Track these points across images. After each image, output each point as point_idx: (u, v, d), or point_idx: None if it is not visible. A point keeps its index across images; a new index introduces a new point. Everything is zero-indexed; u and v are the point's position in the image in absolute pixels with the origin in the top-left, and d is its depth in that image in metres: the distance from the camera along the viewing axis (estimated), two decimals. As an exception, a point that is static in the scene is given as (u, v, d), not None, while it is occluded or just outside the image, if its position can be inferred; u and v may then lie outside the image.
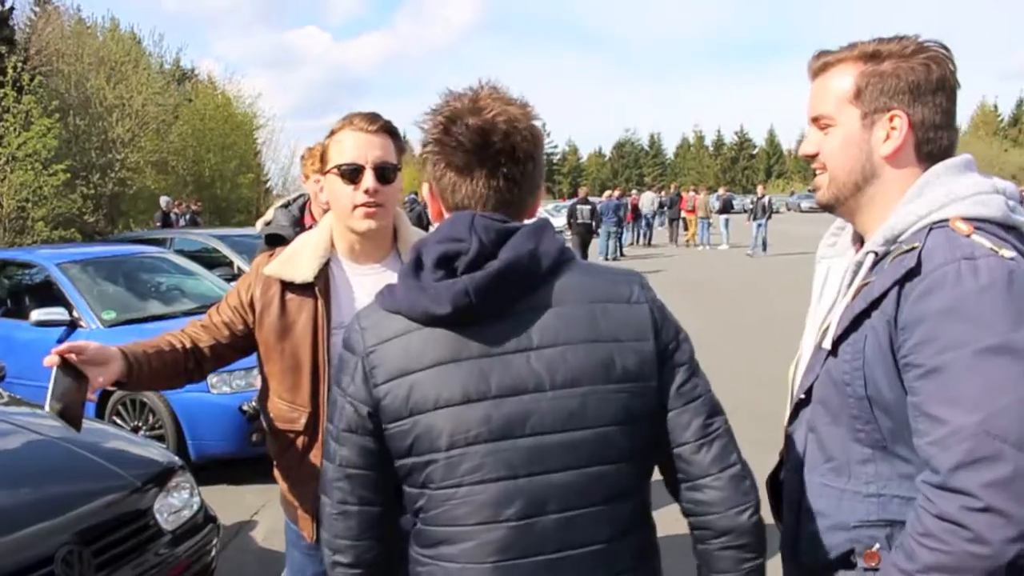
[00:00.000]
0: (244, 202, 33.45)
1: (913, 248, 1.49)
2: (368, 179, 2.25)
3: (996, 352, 1.37)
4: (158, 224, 20.53)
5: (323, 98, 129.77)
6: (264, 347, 2.40)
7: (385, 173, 2.27)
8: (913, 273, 1.47)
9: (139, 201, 26.14)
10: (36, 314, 6.84)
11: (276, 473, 2.55)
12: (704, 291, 16.43)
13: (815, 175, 1.72)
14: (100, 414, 6.50)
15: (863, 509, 1.58)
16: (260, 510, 5.84)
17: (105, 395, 6.51)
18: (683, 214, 30.19)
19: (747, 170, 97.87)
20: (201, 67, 40.05)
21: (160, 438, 6.19)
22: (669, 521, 1.98)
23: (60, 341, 6.70)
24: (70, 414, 2.05)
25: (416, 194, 20.78)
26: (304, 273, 2.32)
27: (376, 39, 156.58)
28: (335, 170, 2.30)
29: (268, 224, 4.86)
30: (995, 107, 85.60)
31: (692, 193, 30.63)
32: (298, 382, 2.35)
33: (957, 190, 1.54)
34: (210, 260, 11.10)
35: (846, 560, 1.60)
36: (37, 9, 29.79)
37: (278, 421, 2.42)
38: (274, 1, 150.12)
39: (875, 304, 1.53)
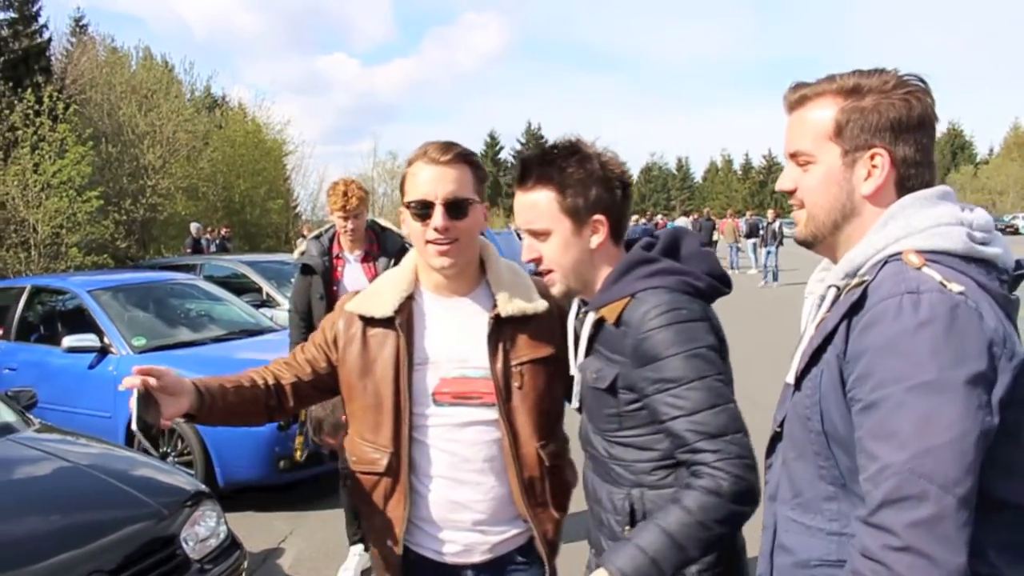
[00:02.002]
0: (273, 227, 33.80)
1: (863, 282, 1.47)
2: (437, 216, 2.14)
3: (929, 390, 1.34)
4: (188, 250, 20.75)
5: (351, 124, 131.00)
6: (346, 385, 2.33)
7: (457, 208, 2.16)
8: (858, 307, 1.46)
9: (170, 227, 26.49)
10: (67, 340, 6.90)
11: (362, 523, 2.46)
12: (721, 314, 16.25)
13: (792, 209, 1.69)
14: (130, 441, 6.53)
15: (823, 547, 1.55)
16: (288, 537, 5.82)
17: (135, 421, 6.52)
18: (716, 237, 30.05)
19: (775, 194, 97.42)
20: (231, 94, 40.48)
21: (189, 464, 6.20)
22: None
23: (91, 367, 6.81)
24: (151, 434, 2.05)
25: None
26: (384, 308, 2.25)
27: (404, 65, 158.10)
28: (407, 207, 2.22)
29: (303, 254, 5.03)
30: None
31: (730, 219, 30.50)
32: (380, 421, 2.25)
33: (915, 222, 1.50)
34: (239, 286, 11.19)
35: None
36: (73, 40, 30.44)
37: (359, 463, 2.32)
38: (302, 29, 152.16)
39: (828, 339, 1.51)
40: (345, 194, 4.75)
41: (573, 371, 2.16)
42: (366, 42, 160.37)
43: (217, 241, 22.68)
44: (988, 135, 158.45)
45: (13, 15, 26.15)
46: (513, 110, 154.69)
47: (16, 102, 19.64)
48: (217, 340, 7.64)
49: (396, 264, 4.83)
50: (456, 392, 2.23)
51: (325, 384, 2.38)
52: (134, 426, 2.00)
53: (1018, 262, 1.56)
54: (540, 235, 2.07)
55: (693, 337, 1.87)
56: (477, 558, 2.28)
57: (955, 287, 1.39)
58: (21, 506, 3.62)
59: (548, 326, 2.28)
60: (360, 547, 5.21)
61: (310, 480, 6.56)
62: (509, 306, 2.23)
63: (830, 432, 1.51)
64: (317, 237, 5.07)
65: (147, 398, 2.02)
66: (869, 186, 1.56)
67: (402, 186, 2.26)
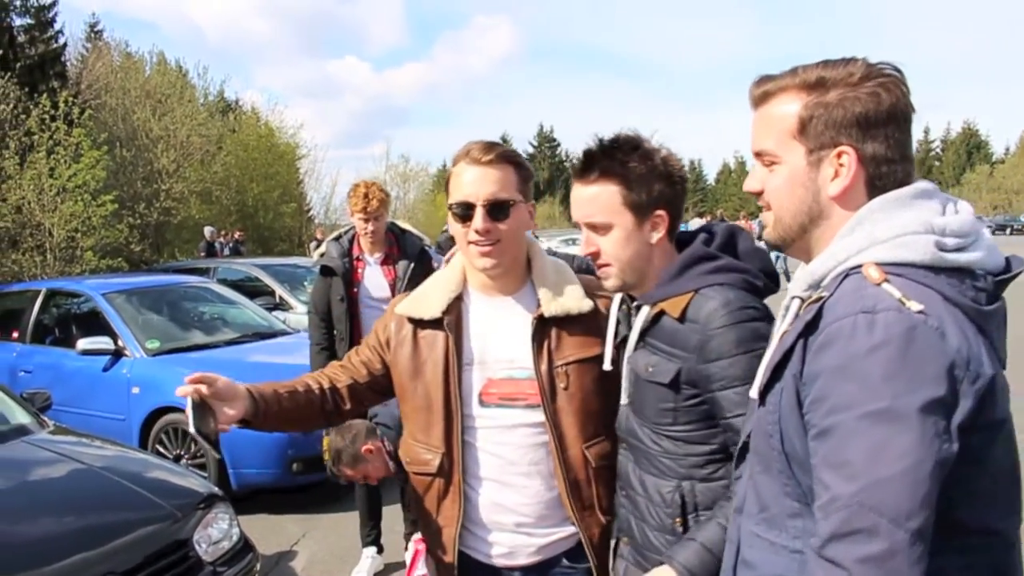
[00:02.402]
0: (287, 231, 33.89)
1: (820, 298, 1.40)
2: (478, 218, 2.13)
3: (881, 418, 1.26)
4: (202, 253, 20.83)
5: (364, 127, 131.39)
6: (399, 387, 2.34)
7: (498, 209, 2.14)
8: (814, 325, 1.38)
9: (184, 230, 26.57)
10: (82, 343, 6.96)
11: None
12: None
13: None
14: (143, 443, 6.57)
15: (784, 564, 1.48)
16: (300, 540, 5.84)
17: (148, 424, 6.59)
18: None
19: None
20: (244, 98, 40.70)
21: (202, 467, 6.23)
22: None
23: (105, 370, 6.85)
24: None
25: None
26: (432, 309, 2.26)
27: (415, 69, 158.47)
28: (449, 208, 2.22)
29: (323, 255, 5.05)
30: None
31: (743, 221, 30.39)
32: (431, 422, 2.25)
33: (879, 232, 1.40)
34: (252, 289, 11.22)
35: None
36: (88, 45, 30.65)
37: (412, 464, 2.33)
38: (314, 33, 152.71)
39: (787, 356, 1.44)
40: (366, 196, 4.77)
41: (607, 365, 2.15)
42: (378, 46, 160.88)
43: (231, 245, 22.75)
44: (1004, 134, 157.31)
45: (29, 21, 26.32)
46: (525, 113, 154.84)
47: (32, 107, 19.76)
48: (230, 343, 7.68)
49: (415, 266, 4.88)
50: (502, 393, 2.23)
51: (381, 386, 2.38)
52: (192, 430, 2.00)
53: (1008, 261, 1.46)
54: (600, 229, 2.06)
55: (759, 336, 1.87)
56: (524, 560, 2.28)
57: (914, 305, 1.29)
58: (35, 507, 3.64)
59: (595, 326, 2.26)
60: (373, 549, 5.21)
61: (323, 483, 6.57)
62: (553, 305, 2.22)
63: (790, 452, 1.44)
64: (337, 239, 5.09)
65: (202, 406, 2.01)
66: (836, 187, 1.46)
67: (447, 187, 2.26)
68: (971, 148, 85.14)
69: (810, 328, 1.39)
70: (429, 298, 2.29)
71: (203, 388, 2.03)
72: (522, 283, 2.30)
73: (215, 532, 3.84)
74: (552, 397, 2.20)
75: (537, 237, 2.22)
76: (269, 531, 5.88)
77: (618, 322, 2.17)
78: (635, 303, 2.11)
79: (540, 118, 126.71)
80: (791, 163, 1.49)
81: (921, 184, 1.46)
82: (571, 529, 2.27)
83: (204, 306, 8.64)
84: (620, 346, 2.16)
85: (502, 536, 2.26)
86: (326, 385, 2.33)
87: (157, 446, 6.51)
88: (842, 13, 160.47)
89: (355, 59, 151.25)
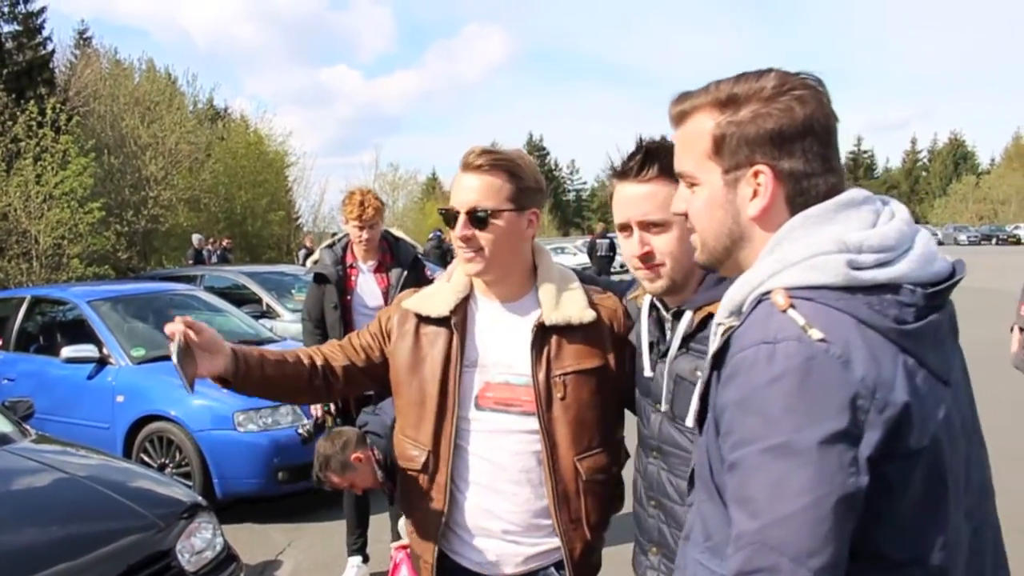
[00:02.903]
0: (275, 239, 33.85)
1: (731, 327, 1.36)
2: (458, 225, 2.15)
3: (779, 453, 1.21)
4: (190, 261, 20.78)
5: (353, 135, 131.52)
6: (395, 379, 2.33)
7: (477, 218, 2.13)
8: (721, 356, 1.35)
9: (171, 238, 26.51)
10: (66, 351, 6.90)
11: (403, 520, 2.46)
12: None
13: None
14: (128, 452, 6.52)
15: None
16: (286, 549, 5.80)
17: (133, 432, 6.55)
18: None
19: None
20: (233, 106, 40.56)
21: (187, 476, 6.18)
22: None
23: (90, 378, 6.81)
24: (186, 381, 2.02)
25: (441, 231, 21.14)
26: (440, 308, 2.26)
27: (406, 77, 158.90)
28: (440, 212, 2.26)
29: (316, 263, 5.05)
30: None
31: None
32: (422, 418, 2.25)
33: (791, 254, 1.33)
34: (240, 297, 11.19)
35: None
36: (77, 52, 30.56)
37: (400, 459, 2.34)
38: (304, 40, 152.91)
39: (708, 385, 1.40)
40: (361, 204, 4.78)
41: (647, 372, 2.10)
42: (369, 54, 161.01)
43: (219, 252, 22.70)
44: (990, 145, 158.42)
45: (17, 27, 26.28)
46: (515, 122, 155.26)
47: (19, 113, 19.70)
48: (217, 351, 7.61)
49: (409, 274, 4.88)
50: (498, 398, 2.22)
51: (376, 372, 2.36)
52: (173, 360, 2.00)
53: (954, 266, 1.40)
54: (656, 227, 2.01)
55: None
56: (509, 570, 2.26)
57: (815, 334, 1.23)
58: (16, 517, 3.59)
59: (597, 337, 2.24)
60: (359, 558, 5.18)
61: (309, 492, 6.54)
62: (554, 314, 2.20)
63: (719, 484, 1.38)
64: (331, 246, 5.09)
65: (186, 349, 2.02)
66: (755, 207, 1.39)
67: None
68: (958, 159, 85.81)
69: (718, 359, 1.36)
70: (438, 297, 2.29)
71: (191, 333, 2.02)
72: (526, 290, 2.29)
73: (198, 542, 3.80)
74: (548, 406, 2.18)
75: None
76: (254, 540, 5.84)
77: (652, 330, 2.13)
78: (672, 310, 2.07)
79: (530, 126, 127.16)
80: (709, 184, 1.44)
81: (849, 194, 1.39)
82: (559, 542, 2.24)
83: (191, 314, 8.51)
84: (650, 353, 2.12)
85: (489, 543, 2.25)
86: (319, 361, 2.31)
87: (142, 455, 6.47)
88: (831, 23, 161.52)
89: (346, 67, 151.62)
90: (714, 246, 1.47)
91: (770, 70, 1.40)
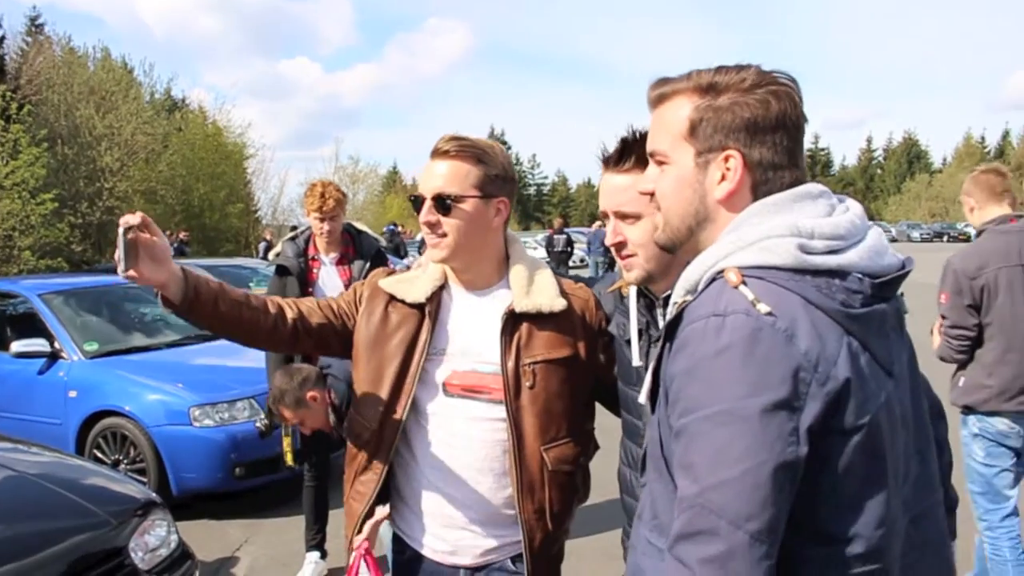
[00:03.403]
0: (233, 232, 33.47)
1: (685, 302, 1.41)
2: (423, 211, 2.16)
3: (722, 420, 1.26)
4: (145, 254, 20.45)
5: (313, 128, 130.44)
6: (355, 353, 2.32)
7: (441, 204, 2.14)
8: (673, 328, 1.41)
9: (127, 230, 26.10)
10: (16, 345, 6.74)
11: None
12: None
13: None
14: (80, 448, 6.41)
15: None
16: (242, 545, 5.74)
17: (85, 428, 6.43)
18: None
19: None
20: (191, 97, 40.05)
21: (141, 472, 6.09)
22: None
23: (41, 373, 6.68)
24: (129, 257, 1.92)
25: (396, 224, 21.14)
26: (417, 294, 2.24)
27: (367, 70, 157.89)
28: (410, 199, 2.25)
29: (278, 255, 5.03)
30: (982, 139, 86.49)
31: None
32: (373, 396, 2.25)
33: (746, 235, 1.40)
34: (196, 290, 11.03)
35: None
36: (29, 39, 29.91)
37: (348, 434, 2.36)
38: (263, 32, 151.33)
39: (660, 361, 1.46)
40: (322, 195, 4.78)
41: (636, 361, 2.10)
42: (329, 46, 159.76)
43: (175, 245, 22.37)
44: (943, 144, 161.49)
45: (-35, 14, 25.64)
46: (476, 116, 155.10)
47: (-33, 102, 19.26)
48: (172, 345, 7.53)
49: (372, 267, 4.87)
50: (466, 385, 2.22)
51: (348, 339, 2.33)
52: (119, 245, 1.92)
53: (904, 262, 1.47)
54: (629, 218, 2.04)
55: None
56: (468, 560, 2.26)
57: (763, 308, 1.29)
58: (-37, 516, 3.51)
59: (568, 326, 2.25)
60: (316, 554, 5.15)
61: (266, 488, 6.49)
62: (525, 302, 2.20)
63: (668, 456, 1.43)
64: (293, 239, 5.08)
65: (131, 244, 1.93)
66: (722, 190, 1.46)
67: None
68: (912, 157, 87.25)
69: (670, 331, 1.42)
70: (417, 283, 2.27)
71: (144, 234, 1.95)
72: (498, 279, 2.29)
73: (152, 539, 3.74)
74: (516, 394, 2.18)
75: None
76: (210, 537, 5.77)
77: (640, 321, 2.13)
78: (663, 296, 2.07)
79: (491, 120, 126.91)
80: (680, 164, 1.50)
81: (807, 187, 1.46)
82: (520, 535, 2.24)
83: (146, 307, 8.45)
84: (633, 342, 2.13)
85: (448, 532, 2.25)
86: (290, 314, 2.25)
87: (95, 451, 6.36)
88: (793, 22, 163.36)
89: (306, 59, 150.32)
90: (677, 225, 1.52)
91: (749, 65, 1.47)
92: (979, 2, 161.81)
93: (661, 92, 1.53)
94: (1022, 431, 4.06)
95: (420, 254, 4.33)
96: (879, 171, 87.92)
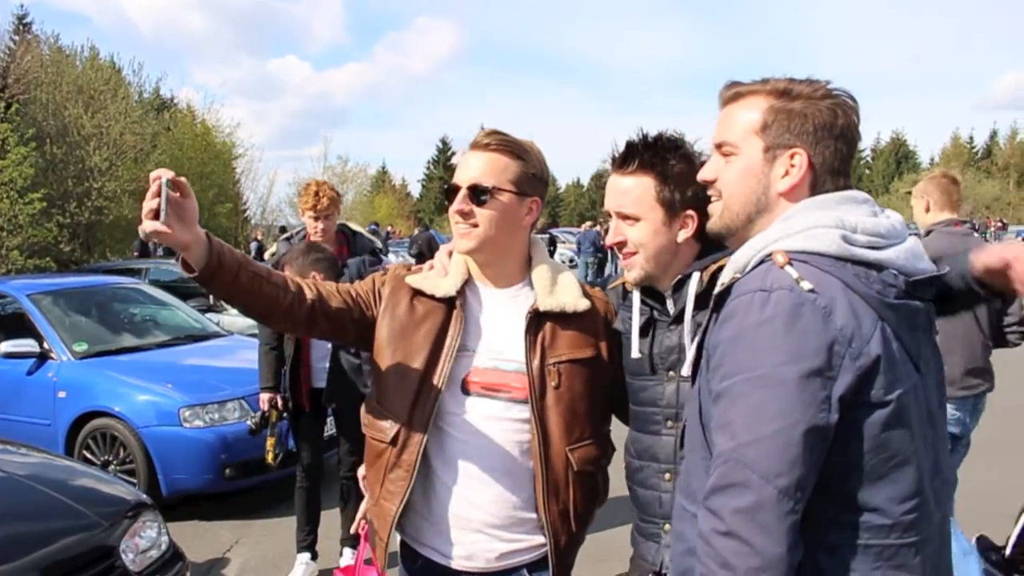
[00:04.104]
0: (222, 231, 33.28)
1: (734, 279, 1.55)
2: (457, 199, 2.15)
3: (761, 383, 1.40)
4: (135, 253, 20.35)
5: (302, 127, 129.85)
6: (378, 345, 2.26)
7: (478, 193, 2.13)
8: (722, 301, 1.55)
9: (116, 230, 25.94)
10: (5, 346, 6.72)
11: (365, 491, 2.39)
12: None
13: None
14: (70, 449, 6.38)
15: None
16: (233, 546, 5.73)
17: (75, 429, 6.41)
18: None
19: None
20: (180, 96, 39.72)
21: (131, 473, 6.08)
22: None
23: (30, 374, 6.66)
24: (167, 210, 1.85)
25: (377, 224, 21.04)
26: (447, 288, 2.22)
27: (356, 69, 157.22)
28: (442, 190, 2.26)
29: (273, 255, 5.08)
30: (971, 139, 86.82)
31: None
32: (401, 391, 2.19)
33: (795, 224, 1.55)
34: (186, 291, 11.00)
35: None
36: (16, 37, 29.74)
37: (369, 428, 2.28)
38: (253, 30, 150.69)
39: (705, 332, 1.61)
40: (316, 194, 4.81)
41: (635, 353, 2.18)
42: (318, 45, 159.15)
43: (163, 245, 22.27)
44: (930, 144, 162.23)
45: (-47, 12, 25.47)
46: (466, 116, 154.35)
47: (-45, 101, 19.13)
48: (162, 346, 7.52)
49: (367, 267, 4.89)
50: (486, 383, 2.20)
51: (363, 328, 2.27)
52: (163, 191, 1.85)
53: (938, 268, 1.62)
54: (629, 219, 2.12)
55: None
56: (482, 565, 2.21)
57: (806, 285, 1.43)
58: (-48, 518, 3.50)
59: (591, 327, 2.26)
60: (307, 555, 5.14)
61: (256, 489, 6.48)
62: (549, 300, 2.20)
63: (706, 423, 1.56)
64: (288, 239, 5.09)
65: (169, 199, 1.86)
66: (785, 183, 1.60)
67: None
68: (900, 158, 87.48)
69: (719, 303, 1.56)
70: (445, 278, 2.26)
71: (174, 193, 1.88)
72: (520, 278, 2.29)
73: (143, 541, 3.73)
74: (541, 393, 2.17)
75: None
76: (201, 538, 5.76)
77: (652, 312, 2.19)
78: (674, 281, 2.15)
79: (482, 119, 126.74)
80: (748, 156, 1.64)
81: (853, 193, 1.61)
82: (538, 540, 2.22)
83: (135, 308, 8.44)
84: (642, 334, 2.19)
85: (464, 535, 2.20)
86: (310, 295, 2.17)
87: (84, 452, 6.34)
88: (779, 23, 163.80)
89: (295, 58, 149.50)
90: (738, 211, 1.66)
91: (819, 80, 1.64)
92: (967, 2, 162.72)
93: (737, 91, 1.68)
94: (963, 417, 4.31)
95: (411, 254, 4.35)
96: (867, 171, 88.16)
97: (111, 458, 6.23)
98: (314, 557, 5.17)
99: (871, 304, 1.45)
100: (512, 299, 2.26)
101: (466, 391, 2.19)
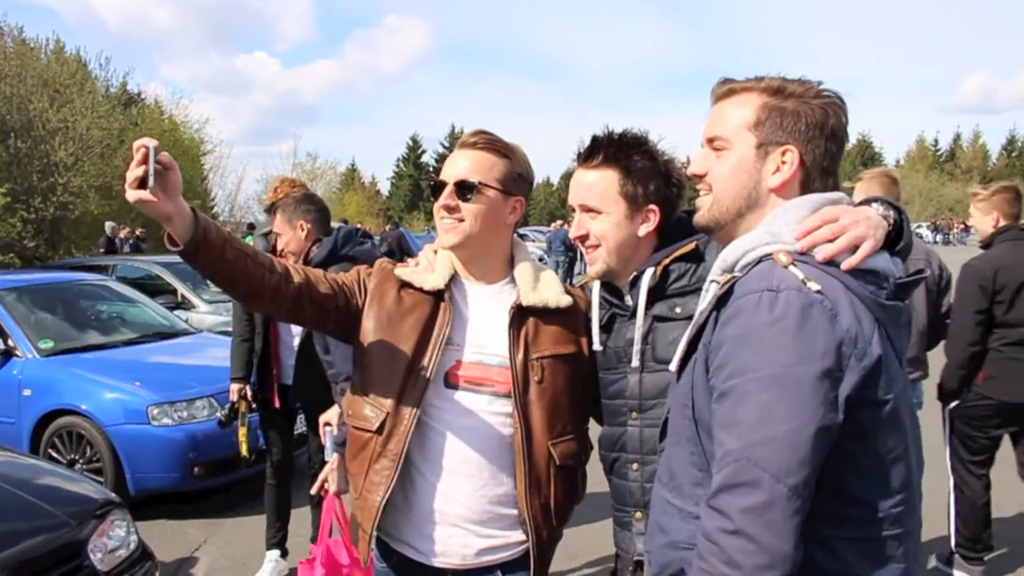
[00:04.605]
0: (190, 228, 33.00)
1: (734, 277, 1.56)
2: (444, 194, 2.19)
3: (772, 383, 1.41)
4: (101, 250, 20.12)
5: (271, 124, 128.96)
6: (363, 336, 2.26)
7: (464, 189, 2.17)
8: (724, 300, 1.54)
9: (81, 226, 25.61)
10: (-32, 343, 6.61)
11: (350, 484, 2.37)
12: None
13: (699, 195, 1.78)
14: (35, 448, 6.30)
15: (689, 530, 1.59)
16: (202, 545, 5.68)
17: (40, 427, 6.33)
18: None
19: (693, 199, 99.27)
20: (147, 91, 39.35)
21: (97, 472, 6.01)
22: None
23: (-6, 371, 6.56)
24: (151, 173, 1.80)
25: (346, 221, 20.94)
26: (435, 281, 2.24)
27: (325, 66, 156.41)
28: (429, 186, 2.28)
29: None
30: (935, 141, 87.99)
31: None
32: (388, 381, 2.19)
33: (792, 221, 1.58)
34: (153, 288, 10.89)
35: None
36: (-22, 30, 29.25)
37: (353, 418, 2.27)
38: (221, 26, 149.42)
39: (701, 330, 1.60)
40: (275, 190, 4.81)
41: (596, 345, 2.26)
42: (288, 42, 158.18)
43: (131, 241, 22.04)
44: (895, 146, 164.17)
45: (-86, 3, 25.01)
46: (436, 114, 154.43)
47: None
48: (130, 343, 7.44)
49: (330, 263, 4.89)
50: (469, 377, 2.21)
51: (346, 317, 2.26)
52: (151, 156, 1.81)
53: (920, 270, 1.67)
54: (592, 212, 2.17)
55: None
56: (457, 561, 2.22)
57: (813, 286, 1.45)
58: (-84, 518, 3.44)
59: (573, 323, 2.29)
60: (276, 552, 5.12)
61: (224, 488, 6.43)
62: (532, 296, 2.24)
63: (699, 419, 1.58)
64: (265, 235, 5.07)
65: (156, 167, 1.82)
66: (776, 179, 1.63)
67: None
68: (866, 159, 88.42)
69: (721, 302, 1.55)
70: (432, 272, 2.28)
71: (160, 164, 1.84)
72: (503, 275, 2.33)
73: (111, 540, 3.69)
74: (524, 388, 2.20)
75: None
76: (169, 537, 5.71)
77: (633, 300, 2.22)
78: (631, 277, 2.20)
79: (452, 118, 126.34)
80: (740, 151, 1.66)
81: (839, 194, 1.65)
82: (514, 537, 2.24)
83: (102, 305, 8.33)
84: (605, 328, 2.27)
85: (440, 530, 2.21)
86: (297, 279, 2.15)
87: (50, 451, 6.26)
88: (746, 24, 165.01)
89: (264, 54, 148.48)
90: (728, 205, 1.68)
91: (808, 80, 1.67)
92: (934, 5, 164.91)
93: (731, 87, 1.71)
94: None
95: (381, 252, 4.35)
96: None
97: (77, 457, 6.15)
98: (284, 555, 5.15)
99: (868, 305, 1.48)
100: (496, 295, 2.29)
101: (450, 384, 2.21)
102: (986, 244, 4.77)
